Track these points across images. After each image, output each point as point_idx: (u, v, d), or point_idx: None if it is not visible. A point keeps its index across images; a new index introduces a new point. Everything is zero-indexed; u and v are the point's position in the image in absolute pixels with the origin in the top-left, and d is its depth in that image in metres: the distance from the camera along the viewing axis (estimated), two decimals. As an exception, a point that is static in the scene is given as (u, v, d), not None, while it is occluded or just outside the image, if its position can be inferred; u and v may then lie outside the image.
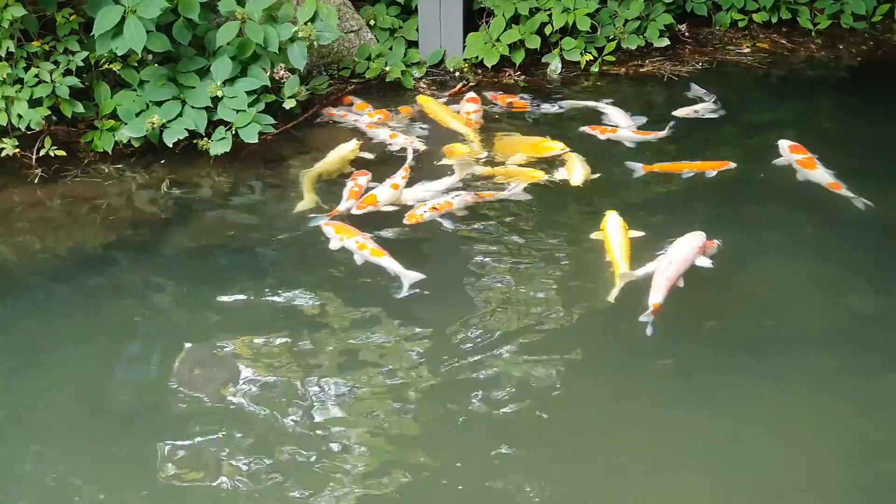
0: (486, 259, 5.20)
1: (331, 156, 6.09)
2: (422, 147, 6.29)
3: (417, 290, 4.91)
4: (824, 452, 4.02)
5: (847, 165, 6.03)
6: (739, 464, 3.97)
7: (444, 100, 7.06)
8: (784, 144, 6.15)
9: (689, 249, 4.92)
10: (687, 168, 6.01)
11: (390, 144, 6.35)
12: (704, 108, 6.92)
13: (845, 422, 4.18)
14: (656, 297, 4.67)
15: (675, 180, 5.92)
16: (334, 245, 5.22)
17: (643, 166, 5.99)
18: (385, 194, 5.65)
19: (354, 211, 5.54)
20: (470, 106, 6.84)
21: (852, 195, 5.65)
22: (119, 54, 5.73)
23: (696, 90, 7.19)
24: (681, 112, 6.82)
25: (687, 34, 8.21)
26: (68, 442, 4.08)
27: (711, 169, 5.99)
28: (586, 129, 6.62)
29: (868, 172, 6.02)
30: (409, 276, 4.96)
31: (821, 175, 5.86)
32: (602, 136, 6.53)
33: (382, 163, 6.08)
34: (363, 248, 5.15)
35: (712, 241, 5.07)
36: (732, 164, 6.02)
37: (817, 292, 4.99)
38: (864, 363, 4.47)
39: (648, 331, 4.57)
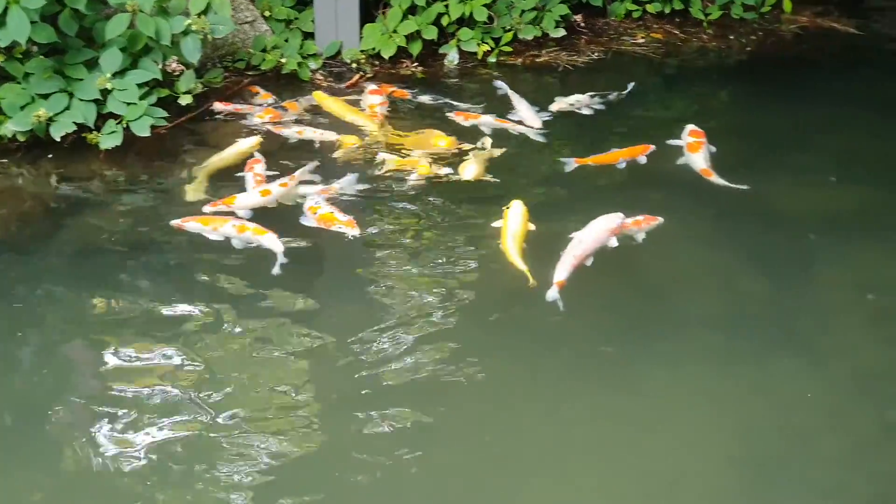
0: (387, 256, 5.20)
1: (228, 150, 5.99)
2: (334, 138, 6.25)
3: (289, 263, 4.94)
4: (716, 435, 4.09)
5: (736, 153, 6.17)
6: (632, 449, 4.03)
7: (343, 91, 7.03)
8: (687, 128, 6.26)
9: (600, 230, 5.05)
10: (620, 157, 5.98)
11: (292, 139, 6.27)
12: (580, 101, 6.80)
13: (736, 404, 4.26)
14: (560, 274, 4.79)
15: (577, 173, 5.95)
16: (213, 236, 5.17)
17: (575, 160, 5.92)
18: (247, 199, 5.46)
19: (208, 208, 5.38)
20: (374, 98, 6.79)
21: (724, 183, 5.77)
22: (2, 46, 5.58)
23: (503, 87, 7.01)
24: (555, 106, 6.73)
25: (582, 25, 8.31)
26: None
27: (641, 154, 6.01)
28: (452, 114, 6.65)
29: (756, 160, 6.17)
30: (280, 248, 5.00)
31: (697, 160, 5.97)
32: (466, 123, 6.53)
33: (281, 157, 6.03)
34: (243, 229, 5.13)
35: (655, 217, 5.24)
36: (653, 147, 6.07)
37: (708, 277, 5.08)
38: (753, 346, 4.57)
39: (560, 306, 4.67)
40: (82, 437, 3.99)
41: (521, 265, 4.90)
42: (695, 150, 6.04)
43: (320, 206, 5.34)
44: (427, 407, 4.19)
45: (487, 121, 6.55)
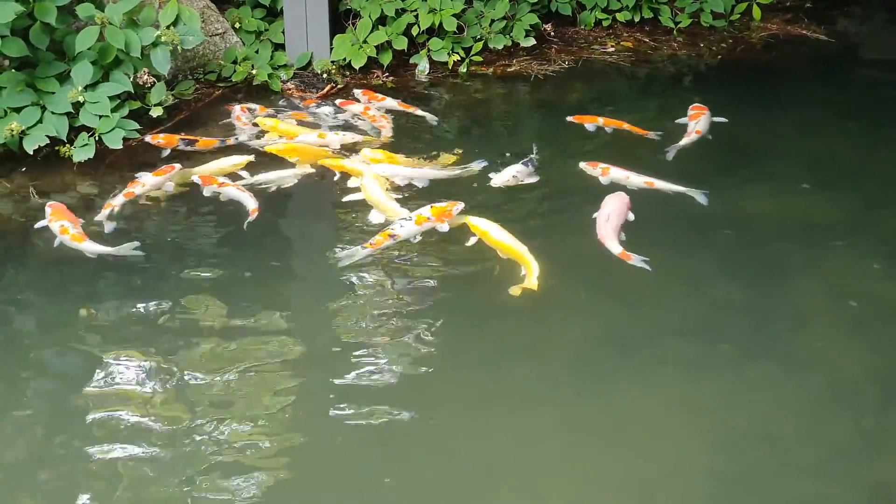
0: (362, 265, 5.21)
1: (210, 165, 5.95)
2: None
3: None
4: (687, 443, 4.11)
5: (707, 160, 6.22)
6: (603, 458, 4.04)
7: (314, 103, 7.02)
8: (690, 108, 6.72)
9: (619, 204, 5.44)
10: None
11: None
12: (522, 171, 5.97)
13: (708, 412, 4.28)
14: (616, 247, 5.16)
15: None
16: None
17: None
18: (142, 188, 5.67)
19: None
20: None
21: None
22: (-27, 60, 5.59)
23: (430, 118, 6.91)
24: (498, 181, 5.91)
25: (553, 34, 8.34)
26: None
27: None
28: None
29: (728, 166, 6.21)
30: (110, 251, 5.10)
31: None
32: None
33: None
34: (64, 232, 5.19)
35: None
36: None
37: (681, 285, 5.10)
38: (724, 353, 4.60)
39: (648, 268, 5.03)
40: (60, 445, 3.99)
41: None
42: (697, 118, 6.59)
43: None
44: (397, 416, 4.20)
45: (390, 104, 6.85)
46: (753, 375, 4.48)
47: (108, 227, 5.39)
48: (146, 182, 5.70)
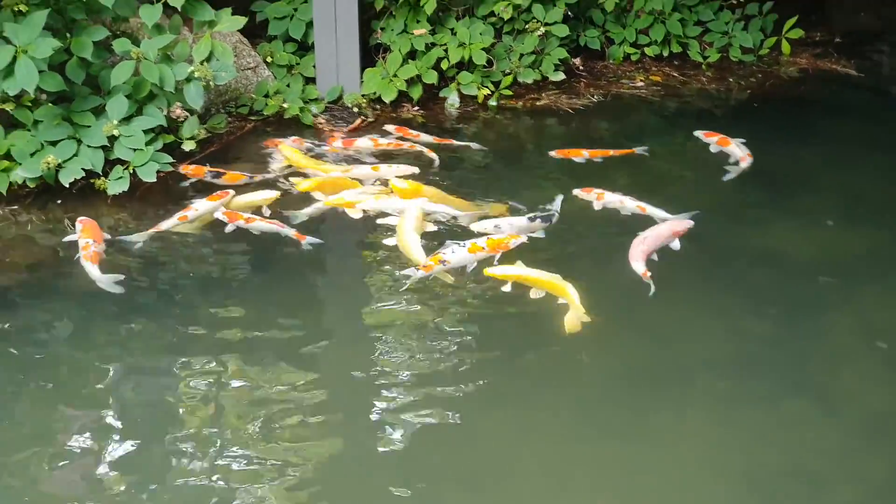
0: (397, 293, 5.23)
1: (240, 199, 5.99)
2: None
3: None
4: (720, 480, 4.10)
5: (738, 194, 6.23)
6: (635, 493, 4.02)
7: (342, 135, 7.05)
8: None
9: (665, 228, 5.56)
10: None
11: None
12: (515, 225, 5.69)
13: (740, 449, 4.26)
14: (640, 267, 5.24)
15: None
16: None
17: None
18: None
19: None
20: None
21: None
22: (11, 94, 5.64)
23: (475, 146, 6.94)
24: (477, 226, 5.71)
25: (581, 68, 8.37)
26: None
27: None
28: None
29: (758, 201, 6.21)
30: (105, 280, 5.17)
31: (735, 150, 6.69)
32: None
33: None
34: (85, 248, 5.34)
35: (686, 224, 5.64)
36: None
37: (713, 321, 5.09)
38: (758, 389, 4.58)
39: (651, 291, 5.11)
40: (99, 468, 4.01)
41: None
42: (726, 143, 6.76)
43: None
44: (429, 449, 4.21)
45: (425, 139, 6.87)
46: (787, 412, 4.46)
47: (138, 243, 5.55)
48: (199, 207, 5.80)
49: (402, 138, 6.95)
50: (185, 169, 6.27)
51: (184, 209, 5.81)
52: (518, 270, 5.16)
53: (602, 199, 6.01)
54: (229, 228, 5.69)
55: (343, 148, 6.78)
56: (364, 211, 5.90)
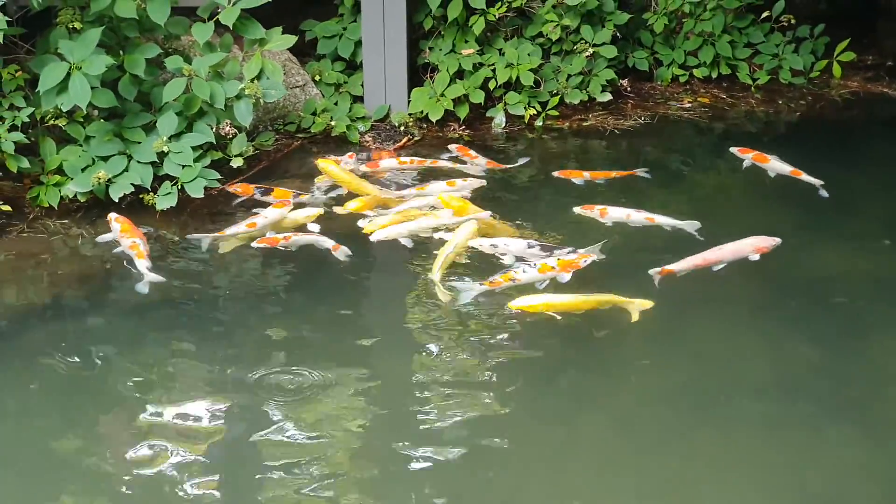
0: (434, 308, 5.25)
1: (287, 217, 6.04)
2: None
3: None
4: (767, 503, 4.06)
5: (786, 216, 6.18)
6: (682, 514, 4.01)
7: (389, 153, 7.10)
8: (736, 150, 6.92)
9: (743, 244, 5.59)
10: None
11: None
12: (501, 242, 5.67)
13: (783, 472, 4.21)
14: (676, 265, 5.36)
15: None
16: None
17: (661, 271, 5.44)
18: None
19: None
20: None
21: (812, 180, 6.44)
22: (64, 110, 5.75)
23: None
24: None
25: (629, 89, 8.37)
26: (11, 501, 4.03)
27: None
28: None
29: (806, 223, 6.16)
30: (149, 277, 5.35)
31: (778, 166, 6.67)
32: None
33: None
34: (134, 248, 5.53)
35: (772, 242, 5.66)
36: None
37: (754, 341, 5.05)
38: (802, 413, 4.53)
39: (656, 282, 5.25)
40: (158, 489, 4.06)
41: None
42: (765, 160, 6.72)
43: None
44: (470, 467, 4.20)
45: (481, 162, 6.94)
46: (831, 437, 4.41)
47: (204, 244, 5.78)
48: (268, 215, 5.95)
49: (456, 158, 7.02)
50: (232, 188, 6.34)
51: (252, 216, 5.97)
52: (542, 299, 5.11)
53: (606, 214, 6.05)
54: (281, 246, 5.74)
55: (370, 168, 6.82)
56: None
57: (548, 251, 5.58)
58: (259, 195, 6.31)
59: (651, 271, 5.32)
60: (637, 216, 6.00)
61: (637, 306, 5.09)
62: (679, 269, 5.38)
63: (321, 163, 6.59)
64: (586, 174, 6.74)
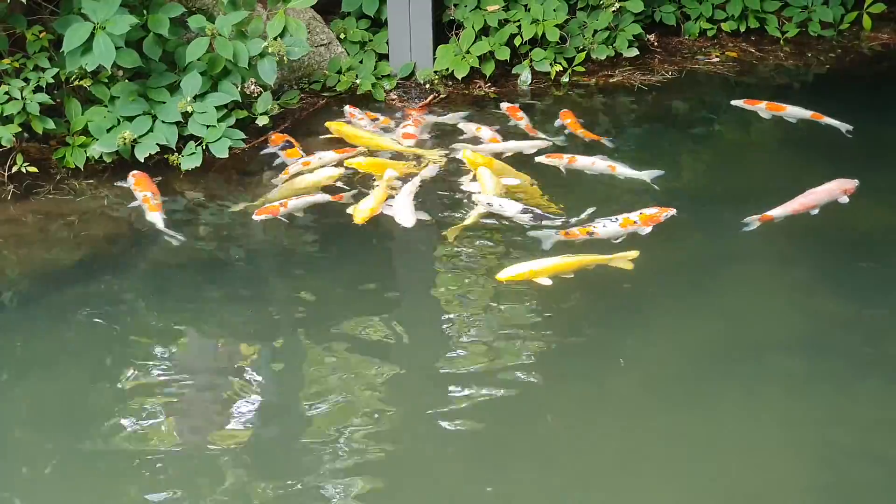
0: (462, 275, 5.25)
1: (303, 178, 6.02)
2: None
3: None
4: (795, 459, 4.05)
5: (815, 170, 6.11)
6: (710, 471, 4.00)
7: (414, 112, 7.07)
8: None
9: (832, 187, 5.71)
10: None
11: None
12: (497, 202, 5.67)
13: (812, 428, 4.21)
14: (775, 210, 5.48)
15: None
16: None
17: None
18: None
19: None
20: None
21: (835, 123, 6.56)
22: (89, 70, 5.75)
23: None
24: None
25: (656, 44, 8.25)
26: (38, 459, 4.08)
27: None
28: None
29: (831, 177, 6.07)
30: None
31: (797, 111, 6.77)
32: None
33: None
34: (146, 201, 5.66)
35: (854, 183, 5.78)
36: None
37: (787, 298, 5.03)
38: (830, 369, 4.51)
39: (749, 228, 5.38)
40: (184, 447, 4.09)
41: None
42: (779, 108, 6.83)
43: None
44: (499, 425, 4.22)
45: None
46: (860, 392, 4.40)
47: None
48: (323, 156, 6.20)
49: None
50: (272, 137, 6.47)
51: (308, 155, 6.19)
52: (527, 267, 5.01)
53: (574, 162, 6.15)
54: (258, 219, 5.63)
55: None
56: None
57: (539, 219, 5.54)
58: (279, 149, 6.35)
59: (748, 219, 5.42)
60: (600, 164, 6.10)
61: (621, 260, 5.07)
62: (777, 215, 5.49)
63: (331, 125, 6.62)
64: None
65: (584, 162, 6.15)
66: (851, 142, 6.57)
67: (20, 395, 4.44)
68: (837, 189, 5.72)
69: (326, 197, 5.79)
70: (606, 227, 5.34)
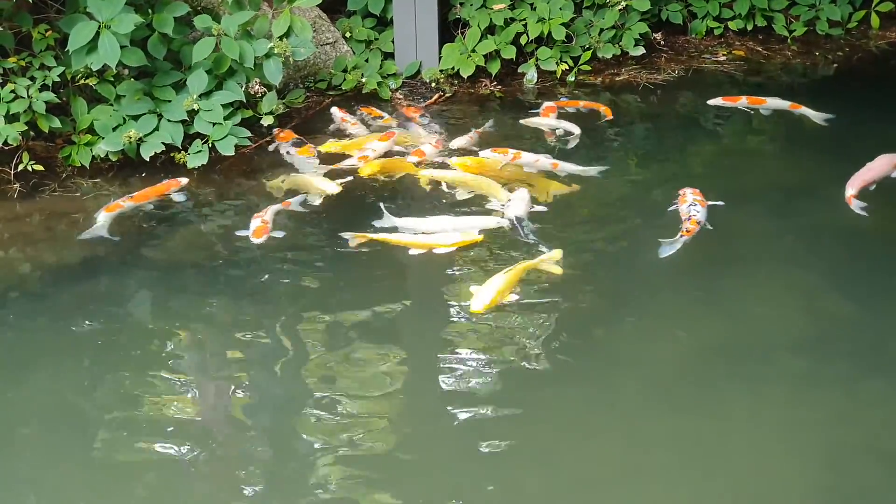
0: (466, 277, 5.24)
1: (312, 182, 5.98)
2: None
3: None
4: (800, 459, 4.04)
5: (821, 170, 6.11)
6: (715, 471, 3.98)
7: (420, 110, 7.07)
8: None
9: (886, 161, 5.90)
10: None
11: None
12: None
13: (819, 428, 4.19)
14: (850, 190, 5.65)
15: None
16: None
17: None
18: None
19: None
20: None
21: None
22: (94, 69, 5.76)
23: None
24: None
25: (662, 43, 8.24)
26: (43, 457, 4.08)
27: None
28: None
29: (842, 177, 6.06)
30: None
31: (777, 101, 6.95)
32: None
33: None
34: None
35: None
36: None
37: (793, 298, 5.01)
38: (836, 370, 4.49)
39: (858, 211, 5.56)
40: (182, 443, 4.09)
41: None
42: (760, 102, 7.04)
43: None
44: (503, 429, 4.21)
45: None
46: (866, 392, 4.37)
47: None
48: (376, 147, 6.28)
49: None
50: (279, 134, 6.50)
51: (361, 152, 6.22)
52: (489, 295, 4.85)
53: (519, 158, 6.19)
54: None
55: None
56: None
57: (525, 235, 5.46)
58: (290, 145, 6.37)
59: (854, 206, 5.60)
60: (545, 161, 6.16)
61: (550, 262, 5.08)
62: (855, 191, 5.68)
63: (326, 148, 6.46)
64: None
65: (528, 158, 6.19)
66: (860, 140, 6.54)
67: (24, 392, 4.44)
68: (889, 165, 5.92)
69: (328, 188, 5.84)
70: (700, 212, 5.46)
